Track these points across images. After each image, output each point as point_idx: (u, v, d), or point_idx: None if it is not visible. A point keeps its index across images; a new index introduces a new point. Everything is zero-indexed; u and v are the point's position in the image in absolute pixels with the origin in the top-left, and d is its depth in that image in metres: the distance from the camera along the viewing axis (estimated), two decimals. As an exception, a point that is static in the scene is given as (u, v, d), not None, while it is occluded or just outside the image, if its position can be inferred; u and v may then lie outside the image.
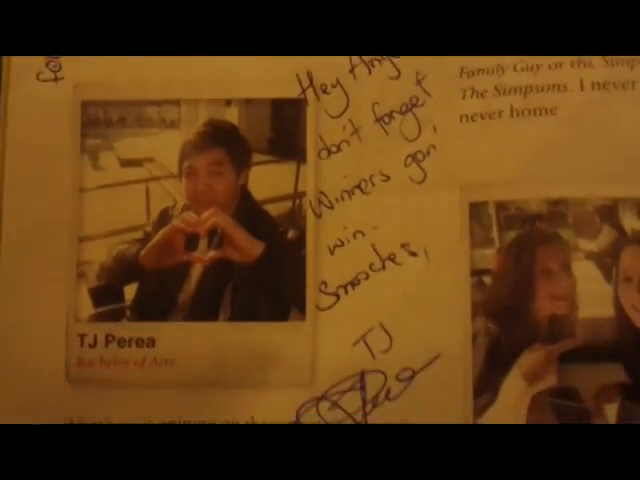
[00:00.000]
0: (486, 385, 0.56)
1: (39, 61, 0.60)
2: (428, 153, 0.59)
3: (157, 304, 0.59)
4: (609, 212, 0.56)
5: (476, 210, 0.57)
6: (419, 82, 0.59)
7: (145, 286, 0.60)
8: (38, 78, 0.60)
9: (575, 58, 0.58)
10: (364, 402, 0.57)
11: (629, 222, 0.56)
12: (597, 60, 0.57)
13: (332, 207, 0.59)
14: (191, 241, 0.60)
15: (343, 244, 0.58)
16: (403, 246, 0.58)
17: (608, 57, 0.57)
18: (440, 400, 0.56)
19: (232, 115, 0.60)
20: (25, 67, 0.60)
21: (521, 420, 0.56)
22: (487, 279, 0.57)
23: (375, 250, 0.58)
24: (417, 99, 0.59)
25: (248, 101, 0.60)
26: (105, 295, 0.59)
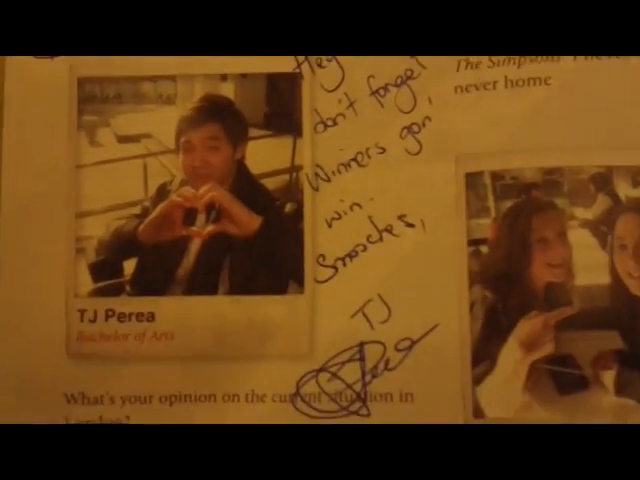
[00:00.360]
0: (484, 354, 0.57)
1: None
2: (423, 125, 0.59)
3: (156, 279, 0.60)
4: (604, 180, 0.57)
5: (472, 180, 0.58)
6: (413, 55, 0.59)
7: (144, 261, 0.60)
8: (34, 55, 0.60)
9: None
10: (363, 373, 0.57)
11: (623, 190, 0.57)
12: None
13: (329, 180, 0.59)
14: (189, 216, 0.60)
15: (340, 217, 0.59)
16: (400, 217, 0.58)
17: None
18: (439, 369, 0.57)
19: (228, 90, 0.61)
20: (21, 44, 0.60)
21: (518, 388, 0.56)
22: (484, 248, 0.57)
23: (372, 222, 0.58)
24: (412, 71, 0.59)
25: (244, 76, 0.60)
26: (104, 270, 0.60)
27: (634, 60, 0.57)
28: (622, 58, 0.57)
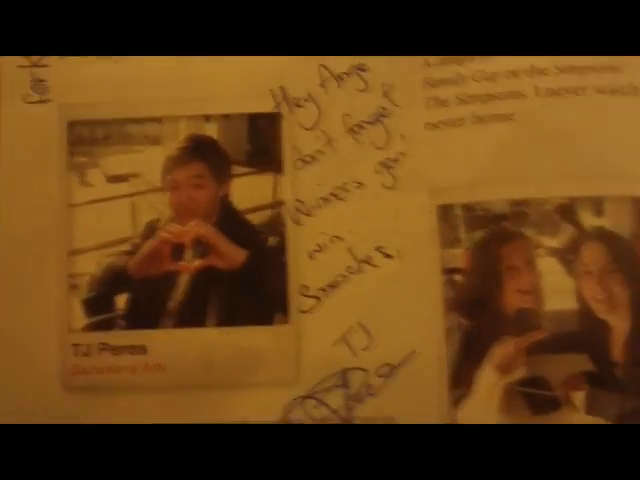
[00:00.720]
0: (460, 378, 0.59)
1: (25, 84, 0.63)
2: (397, 160, 0.61)
3: (147, 312, 0.62)
4: (568, 210, 0.59)
5: (444, 212, 0.60)
6: (385, 93, 0.62)
7: (135, 295, 0.62)
8: (25, 100, 0.63)
9: (529, 66, 0.61)
10: (347, 398, 0.60)
11: (587, 219, 0.59)
12: (550, 68, 0.61)
13: (310, 214, 0.62)
14: (177, 251, 0.62)
15: (321, 249, 0.61)
16: (378, 249, 0.61)
17: (560, 65, 0.61)
18: (418, 394, 0.59)
19: (212, 130, 0.63)
20: (12, 90, 0.63)
21: (494, 410, 0.58)
22: (458, 277, 0.60)
23: (351, 253, 0.61)
24: (385, 109, 0.62)
25: (226, 116, 0.63)
26: (97, 305, 0.62)
27: (592, 97, 0.60)
28: (581, 95, 0.60)
